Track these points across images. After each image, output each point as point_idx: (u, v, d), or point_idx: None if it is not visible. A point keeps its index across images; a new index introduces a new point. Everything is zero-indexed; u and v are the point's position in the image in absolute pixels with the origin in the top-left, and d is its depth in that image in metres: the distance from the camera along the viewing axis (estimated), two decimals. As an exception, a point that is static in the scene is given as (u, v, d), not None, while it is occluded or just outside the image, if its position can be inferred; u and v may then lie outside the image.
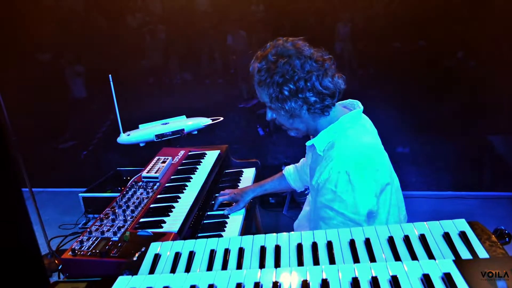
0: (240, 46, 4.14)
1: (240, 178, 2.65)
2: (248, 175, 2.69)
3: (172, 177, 2.37)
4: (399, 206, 1.66)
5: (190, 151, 2.74)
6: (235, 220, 2.15)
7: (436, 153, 4.09)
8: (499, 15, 3.57)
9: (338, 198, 1.49)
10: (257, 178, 2.72)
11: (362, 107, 1.71)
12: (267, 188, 2.31)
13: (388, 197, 1.55)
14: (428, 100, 3.94)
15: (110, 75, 3.06)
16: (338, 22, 3.92)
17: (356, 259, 1.15)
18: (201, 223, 2.16)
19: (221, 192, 2.32)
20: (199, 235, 2.04)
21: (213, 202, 2.31)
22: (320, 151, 1.61)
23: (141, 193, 2.18)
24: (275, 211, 3.96)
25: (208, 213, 2.25)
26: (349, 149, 1.53)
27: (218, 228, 2.07)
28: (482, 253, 1.10)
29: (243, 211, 2.22)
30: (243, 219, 2.17)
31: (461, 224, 1.20)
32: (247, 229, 2.18)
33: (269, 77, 1.56)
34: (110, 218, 1.91)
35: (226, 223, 2.12)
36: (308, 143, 1.70)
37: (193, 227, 2.08)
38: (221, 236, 2.00)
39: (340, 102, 1.74)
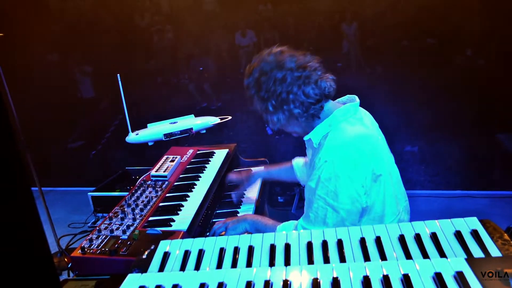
0: (247, 45, 4.14)
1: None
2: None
3: (180, 176, 2.37)
4: (397, 198, 1.69)
5: (199, 150, 2.74)
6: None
7: (444, 151, 4.06)
8: (509, 13, 3.53)
9: (321, 184, 1.57)
10: (266, 177, 2.72)
11: (358, 101, 1.74)
12: (273, 174, 2.38)
13: (382, 188, 1.59)
14: (436, 99, 3.92)
15: (118, 74, 3.07)
16: (346, 20, 3.91)
17: (366, 258, 1.14)
18: (210, 221, 2.16)
19: (229, 175, 2.39)
20: (207, 234, 2.04)
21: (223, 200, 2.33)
22: (316, 144, 1.67)
23: (150, 192, 2.18)
24: (283, 210, 3.95)
25: (217, 211, 2.25)
26: (338, 139, 1.59)
27: (226, 226, 2.07)
28: (495, 252, 1.09)
29: (252, 210, 2.22)
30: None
31: (473, 223, 1.19)
32: (256, 228, 2.17)
33: (256, 94, 1.65)
34: (119, 216, 1.91)
35: (235, 221, 2.11)
36: (305, 138, 1.76)
37: (202, 225, 2.07)
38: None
39: (338, 99, 1.79)
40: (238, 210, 2.24)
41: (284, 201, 4.00)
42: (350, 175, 1.53)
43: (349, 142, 1.57)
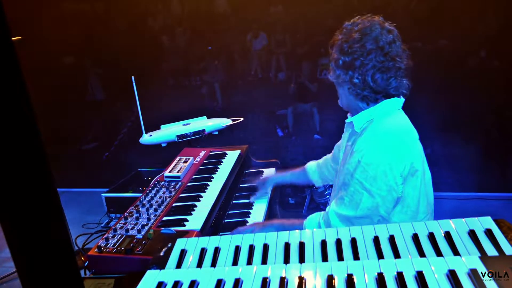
0: (259, 47, 4.16)
1: (260, 178, 2.66)
2: (268, 175, 2.70)
3: (193, 176, 2.39)
4: (428, 199, 1.71)
5: (211, 151, 2.77)
6: (256, 219, 2.16)
7: (457, 153, 4.03)
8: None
9: (360, 167, 1.57)
10: (277, 178, 2.73)
11: (403, 98, 1.75)
12: (287, 179, 2.41)
13: (418, 184, 1.61)
14: (449, 100, 3.89)
15: (132, 76, 3.11)
16: (357, 22, 3.90)
17: (380, 256, 1.15)
18: (222, 222, 2.18)
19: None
20: (220, 234, 2.06)
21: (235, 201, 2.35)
22: (358, 129, 1.68)
23: (164, 192, 2.21)
24: (295, 212, 3.96)
25: (229, 212, 2.27)
26: (382, 127, 1.60)
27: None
28: (509, 250, 1.09)
29: (264, 212, 2.24)
30: (264, 219, 2.18)
31: (487, 222, 1.19)
32: (267, 228, 2.19)
33: (341, 41, 1.67)
34: (134, 216, 1.94)
35: (247, 222, 2.14)
36: (347, 120, 1.78)
37: (214, 226, 2.10)
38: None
39: None
40: (250, 211, 2.26)
41: (295, 203, 4.01)
42: (391, 163, 1.53)
43: (393, 131, 1.60)
